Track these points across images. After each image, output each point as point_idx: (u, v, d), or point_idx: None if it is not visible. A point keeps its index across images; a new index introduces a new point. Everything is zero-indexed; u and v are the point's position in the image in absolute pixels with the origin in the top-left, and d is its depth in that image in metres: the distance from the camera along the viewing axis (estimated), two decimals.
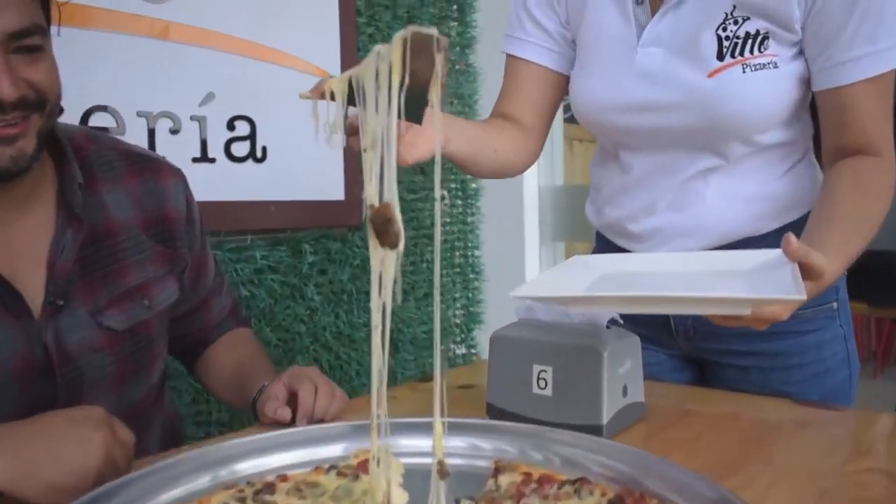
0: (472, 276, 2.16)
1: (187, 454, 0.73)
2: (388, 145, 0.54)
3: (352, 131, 0.64)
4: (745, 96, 0.94)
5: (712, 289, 0.83)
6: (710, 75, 0.95)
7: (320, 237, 1.75)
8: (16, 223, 0.88)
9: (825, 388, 1.04)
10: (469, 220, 2.13)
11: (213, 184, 1.54)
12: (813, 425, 0.91)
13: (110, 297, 0.93)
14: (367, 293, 1.84)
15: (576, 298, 0.81)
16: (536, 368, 0.92)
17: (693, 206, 1.03)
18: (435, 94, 0.56)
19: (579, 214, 2.11)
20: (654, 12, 0.99)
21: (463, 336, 2.18)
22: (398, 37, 0.54)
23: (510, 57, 1.14)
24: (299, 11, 1.65)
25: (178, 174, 1.05)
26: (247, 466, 0.75)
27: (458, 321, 2.16)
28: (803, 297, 0.65)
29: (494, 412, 0.96)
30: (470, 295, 2.16)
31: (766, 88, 0.95)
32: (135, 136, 1.42)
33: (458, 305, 2.14)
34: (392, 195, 0.54)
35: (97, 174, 0.95)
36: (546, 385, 0.92)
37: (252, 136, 1.59)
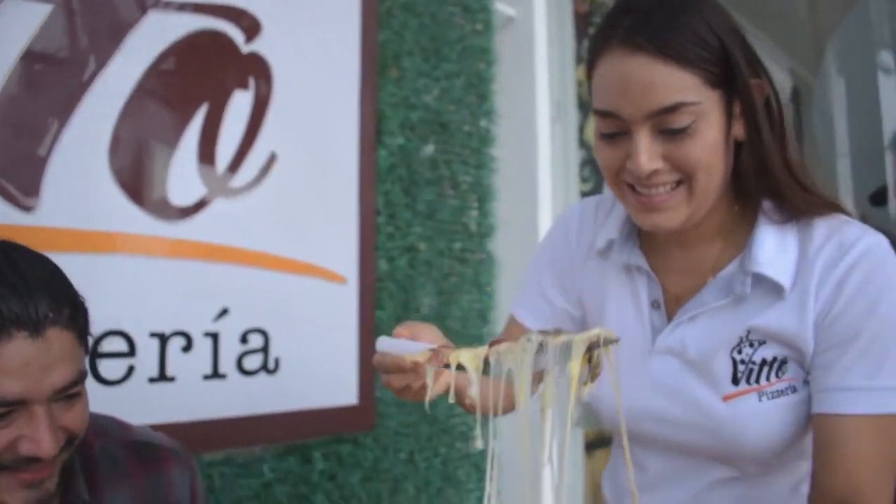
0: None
1: None
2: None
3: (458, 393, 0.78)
4: (761, 426, 0.89)
5: None
6: (725, 399, 0.91)
7: (331, 441, 1.70)
8: None
9: None
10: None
11: (223, 401, 1.50)
12: None
13: None
14: (378, 495, 1.76)
15: None
16: None
17: None
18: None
19: None
20: (669, 320, 0.96)
21: None
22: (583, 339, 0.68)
23: (512, 317, 1.13)
24: (316, 218, 1.66)
25: (185, 463, 1.01)
26: None
27: None
28: None
29: None
30: (482, 485, 2.07)
31: (783, 416, 0.89)
32: (147, 358, 1.40)
33: (474, 499, 2.05)
34: None
35: (101, 474, 0.92)
36: None
37: (265, 349, 1.56)
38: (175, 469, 0.99)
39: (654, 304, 0.97)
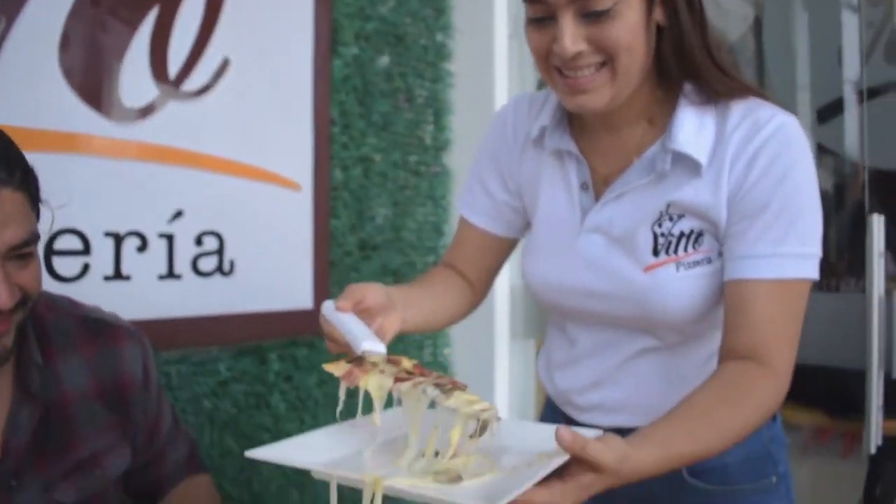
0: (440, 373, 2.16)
1: None
2: None
3: None
4: (679, 294, 0.96)
5: (428, 489, 0.73)
6: (646, 270, 0.98)
7: (287, 344, 1.76)
8: None
9: None
10: None
11: (178, 300, 1.54)
12: None
13: (63, 471, 0.93)
14: (335, 398, 1.84)
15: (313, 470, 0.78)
16: None
17: (632, 383, 1.05)
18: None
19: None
20: (597, 200, 1.02)
21: None
22: (469, 413, 0.76)
23: (462, 217, 1.19)
24: (271, 125, 1.68)
25: (137, 341, 1.05)
26: None
27: None
28: None
29: None
30: None
31: (699, 284, 0.96)
32: (102, 257, 1.43)
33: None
34: None
35: (54, 345, 0.96)
36: None
37: (220, 251, 1.60)
38: (127, 346, 1.03)
39: (584, 186, 1.03)
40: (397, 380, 0.81)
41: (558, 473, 0.73)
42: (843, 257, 2.41)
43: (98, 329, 1.02)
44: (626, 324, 1.03)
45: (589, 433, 0.78)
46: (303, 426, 1.80)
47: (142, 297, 1.48)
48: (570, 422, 1.12)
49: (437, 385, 0.79)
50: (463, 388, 0.80)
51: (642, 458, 0.77)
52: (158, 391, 1.09)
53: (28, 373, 0.91)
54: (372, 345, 0.84)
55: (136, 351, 1.04)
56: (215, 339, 1.62)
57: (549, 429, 0.78)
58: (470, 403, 0.76)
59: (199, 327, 1.58)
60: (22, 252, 0.84)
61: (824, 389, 2.16)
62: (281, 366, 1.74)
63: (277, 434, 1.75)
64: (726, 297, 0.95)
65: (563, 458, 0.73)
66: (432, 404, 0.78)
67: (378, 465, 0.79)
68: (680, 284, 0.96)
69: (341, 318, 0.89)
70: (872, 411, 1.92)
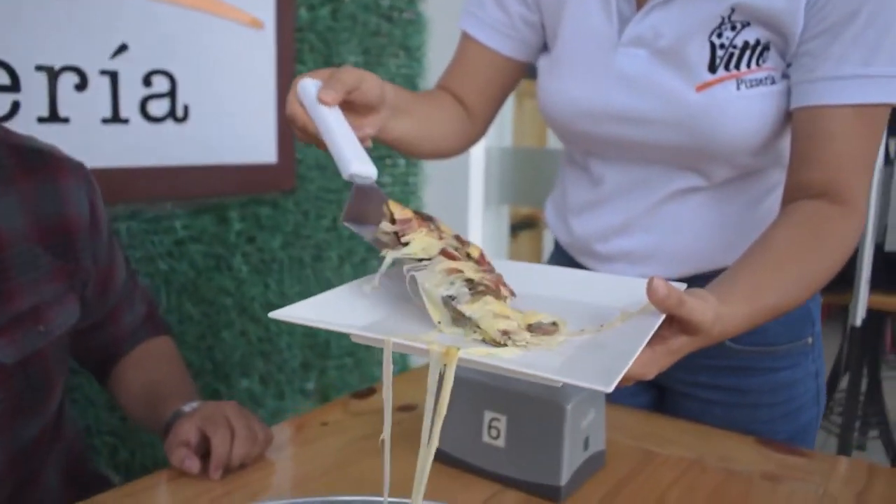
0: None
1: None
2: None
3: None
4: (738, 117, 0.82)
5: (512, 361, 0.54)
6: (699, 89, 0.83)
7: (249, 202, 1.60)
8: None
9: (792, 428, 0.98)
10: (411, 180, 2.00)
11: (126, 148, 1.36)
12: (784, 479, 0.85)
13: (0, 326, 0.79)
14: (301, 261, 1.70)
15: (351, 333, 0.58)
16: (488, 415, 0.83)
17: (667, 229, 0.93)
18: None
19: (528, 177, 1.98)
20: (639, 7, 0.86)
21: None
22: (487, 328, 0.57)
23: (465, 34, 1.01)
24: None
25: (79, 172, 0.89)
26: None
27: None
28: (608, 389, 0.47)
29: (440, 455, 0.86)
30: None
31: (762, 107, 0.82)
32: (32, 95, 1.24)
33: None
34: None
35: None
36: (498, 435, 0.82)
37: (172, 94, 1.41)
38: (70, 180, 0.87)
39: None
40: (445, 254, 0.63)
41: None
42: None
43: (35, 161, 0.85)
44: (666, 157, 0.89)
45: (677, 286, 0.63)
46: (267, 291, 1.67)
47: (83, 142, 1.30)
48: None
49: (469, 281, 0.60)
50: (507, 295, 0.63)
51: (731, 316, 0.66)
52: (110, 237, 0.94)
53: None
54: (363, 168, 0.65)
55: (80, 187, 0.88)
56: (169, 193, 1.45)
57: (605, 279, 0.67)
58: (497, 317, 0.57)
59: (151, 180, 1.41)
60: None
61: None
62: (242, 225, 1.60)
63: (240, 299, 1.63)
64: (797, 125, 0.81)
65: (660, 317, 0.59)
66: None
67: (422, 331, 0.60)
68: (740, 105, 0.82)
69: (324, 117, 0.68)
70: (861, 284, 1.87)
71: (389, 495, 0.58)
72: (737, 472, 0.86)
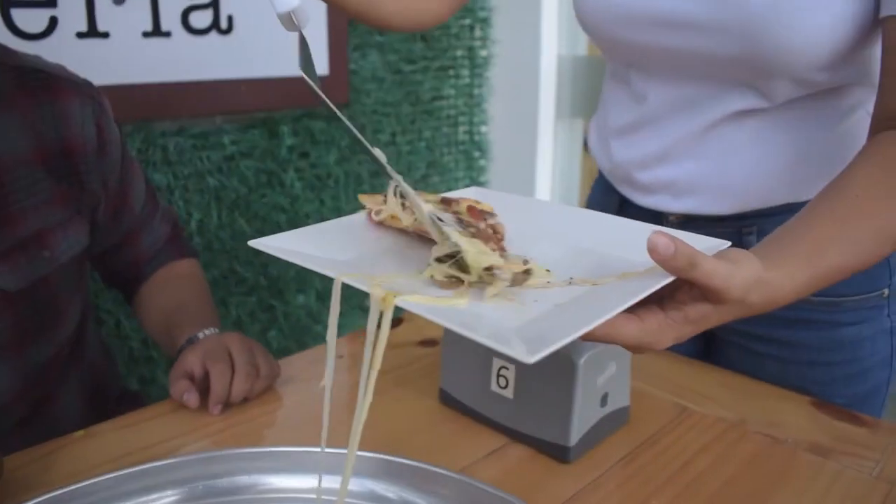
0: (476, 154, 1.96)
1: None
2: None
3: None
4: (806, 21, 0.68)
5: (450, 312, 0.48)
6: None
7: (301, 117, 1.56)
8: None
9: (855, 392, 0.86)
10: (476, 92, 1.90)
11: (169, 62, 1.33)
12: (834, 454, 0.75)
13: (1, 252, 0.78)
14: (358, 176, 1.65)
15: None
16: (496, 363, 0.77)
17: (720, 156, 0.81)
18: None
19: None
20: None
21: None
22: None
23: None
24: None
25: (85, 92, 0.85)
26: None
27: None
28: (529, 361, 0.40)
29: (449, 400, 0.82)
30: (473, 175, 1.97)
31: (841, 10, 0.68)
32: (70, 9, 1.21)
33: (461, 187, 1.96)
34: None
35: None
36: (507, 385, 0.77)
37: (215, 4, 1.36)
38: (73, 101, 0.84)
39: None
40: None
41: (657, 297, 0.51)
42: None
43: (38, 81, 0.82)
44: (719, 71, 0.77)
45: (701, 241, 0.53)
46: (322, 207, 1.65)
47: (123, 57, 1.28)
48: (628, 205, 0.91)
49: (461, 221, 0.55)
50: (495, 247, 0.53)
51: (781, 282, 0.54)
52: (125, 158, 0.91)
53: None
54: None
55: (86, 107, 0.85)
56: (216, 108, 1.42)
57: (630, 226, 0.59)
58: (483, 255, 0.50)
59: (196, 94, 1.38)
60: None
61: None
62: (294, 140, 1.56)
63: (294, 216, 1.61)
64: (888, 36, 0.67)
65: (659, 281, 0.49)
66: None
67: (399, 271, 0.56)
68: (809, 7, 0.68)
69: None
70: None
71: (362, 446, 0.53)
72: (780, 440, 0.77)
